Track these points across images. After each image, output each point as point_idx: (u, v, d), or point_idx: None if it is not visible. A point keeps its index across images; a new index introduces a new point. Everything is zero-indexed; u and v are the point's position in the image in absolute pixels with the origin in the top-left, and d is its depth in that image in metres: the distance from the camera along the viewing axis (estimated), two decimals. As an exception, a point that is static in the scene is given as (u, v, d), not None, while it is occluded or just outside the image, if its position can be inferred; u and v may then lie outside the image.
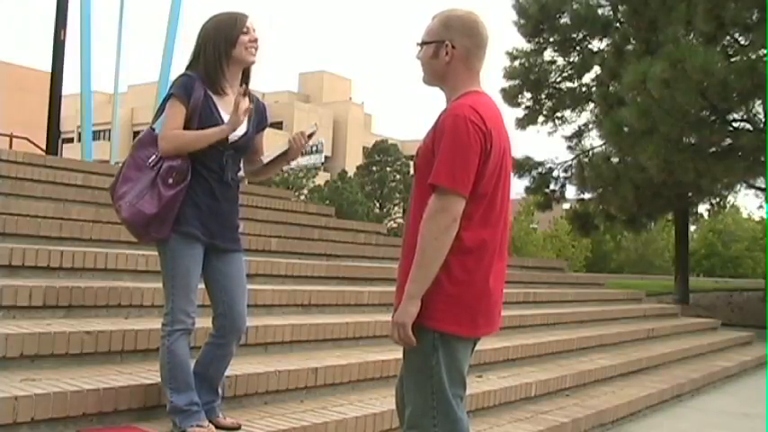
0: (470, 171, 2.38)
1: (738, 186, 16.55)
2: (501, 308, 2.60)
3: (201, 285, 3.33)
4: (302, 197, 44.71)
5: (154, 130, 3.31)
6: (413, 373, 2.51)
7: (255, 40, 3.30)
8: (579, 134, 18.26)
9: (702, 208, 20.44)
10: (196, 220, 3.21)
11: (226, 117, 3.25)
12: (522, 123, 17.96)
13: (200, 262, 3.25)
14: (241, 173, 3.47)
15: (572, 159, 18.05)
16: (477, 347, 2.69)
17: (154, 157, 3.20)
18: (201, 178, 3.21)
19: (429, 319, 2.41)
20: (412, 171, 2.72)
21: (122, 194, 3.19)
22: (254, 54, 3.32)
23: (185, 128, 3.20)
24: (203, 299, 3.41)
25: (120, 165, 3.35)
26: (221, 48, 3.24)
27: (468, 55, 2.53)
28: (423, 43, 2.58)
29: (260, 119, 3.45)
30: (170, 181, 3.15)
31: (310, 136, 3.41)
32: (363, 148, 59.89)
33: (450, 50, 2.51)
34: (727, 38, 13.29)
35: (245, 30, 3.26)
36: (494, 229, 2.49)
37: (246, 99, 3.24)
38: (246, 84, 3.38)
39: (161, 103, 3.33)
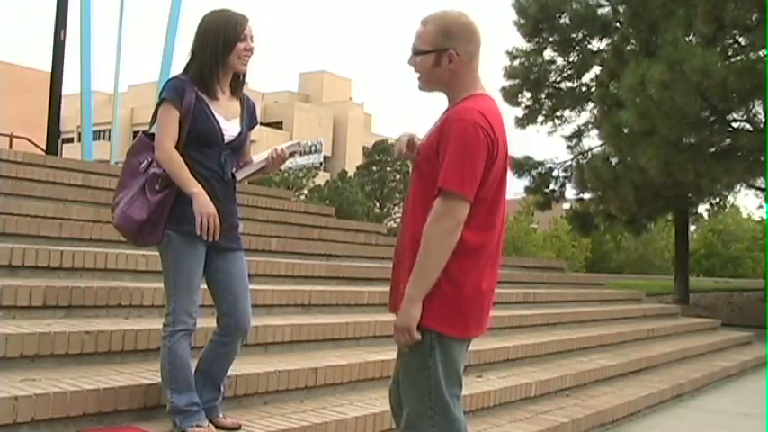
0: (478, 176, 2.38)
1: (738, 186, 16.57)
2: (490, 310, 2.60)
3: (203, 286, 3.33)
4: (302, 197, 44.71)
5: (148, 136, 3.32)
6: (410, 374, 2.51)
7: (250, 50, 3.29)
8: (579, 134, 18.28)
9: (702, 208, 20.46)
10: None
11: (221, 119, 3.27)
12: (522, 123, 17.99)
13: (202, 262, 3.25)
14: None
15: (572, 159, 18.07)
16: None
17: (145, 162, 3.23)
18: (203, 179, 3.20)
19: (425, 319, 2.41)
20: (411, 170, 2.71)
21: (118, 201, 3.24)
22: (246, 63, 3.31)
23: (179, 130, 3.20)
24: (204, 299, 3.41)
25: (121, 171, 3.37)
26: (218, 52, 3.23)
27: (472, 59, 2.52)
28: (420, 52, 2.51)
29: (250, 118, 3.45)
30: (156, 187, 3.18)
31: (292, 155, 3.42)
32: (363, 148, 59.87)
33: (454, 58, 2.47)
34: (727, 39, 13.29)
35: (242, 36, 3.25)
36: (492, 232, 2.50)
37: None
38: (240, 88, 3.39)
39: (156, 107, 3.33)
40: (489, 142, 2.39)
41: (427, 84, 2.57)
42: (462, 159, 2.36)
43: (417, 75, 2.56)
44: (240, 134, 3.35)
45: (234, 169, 3.37)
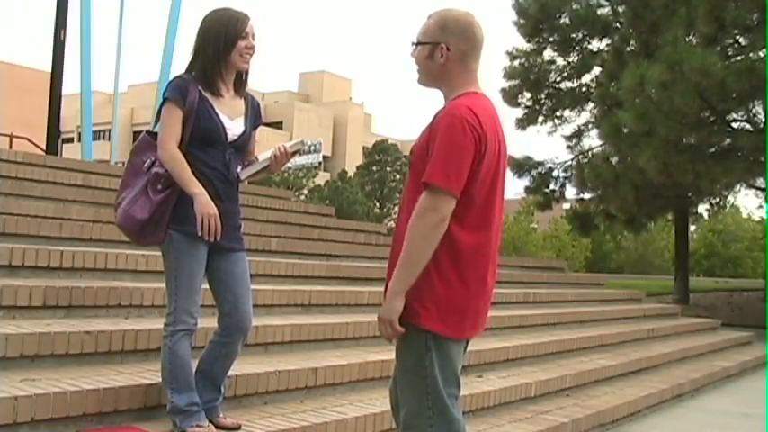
0: (464, 172, 2.37)
1: (738, 186, 16.57)
2: (488, 310, 2.60)
3: (204, 285, 3.34)
4: (302, 197, 44.72)
5: (151, 135, 3.32)
6: (407, 374, 2.51)
7: (251, 48, 3.30)
8: (579, 134, 18.29)
9: (702, 208, 20.45)
10: None
11: (224, 118, 3.27)
12: (522, 123, 18.00)
13: (203, 262, 3.25)
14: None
15: (572, 159, 18.08)
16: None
17: (148, 161, 3.24)
18: (206, 179, 3.20)
19: (421, 319, 2.42)
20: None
21: (121, 200, 3.24)
22: (248, 61, 3.32)
23: (182, 129, 3.20)
24: (205, 299, 3.40)
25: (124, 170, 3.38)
26: (220, 50, 3.24)
27: (464, 57, 2.52)
28: (418, 43, 2.57)
29: (255, 117, 3.45)
30: (159, 186, 3.18)
31: (294, 153, 3.42)
32: (363, 148, 59.88)
33: (445, 53, 2.50)
34: (728, 39, 13.29)
35: (243, 35, 3.26)
36: (488, 231, 2.49)
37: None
38: (243, 86, 3.39)
39: (158, 107, 3.33)
40: (476, 137, 2.38)
41: (422, 76, 2.60)
42: (448, 154, 2.36)
43: (416, 67, 2.60)
44: (244, 133, 3.35)
45: (238, 168, 3.38)
